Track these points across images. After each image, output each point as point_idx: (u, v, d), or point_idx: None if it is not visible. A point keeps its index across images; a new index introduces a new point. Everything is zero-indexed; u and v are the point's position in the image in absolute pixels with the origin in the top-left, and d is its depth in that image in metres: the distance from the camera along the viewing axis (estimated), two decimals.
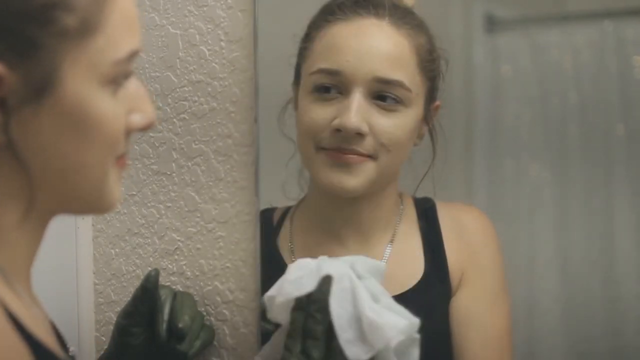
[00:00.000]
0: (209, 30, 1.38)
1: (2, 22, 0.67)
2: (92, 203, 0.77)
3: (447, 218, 1.25)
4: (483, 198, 1.64)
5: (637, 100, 1.55)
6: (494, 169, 1.63)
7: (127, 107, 0.75)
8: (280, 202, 1.34)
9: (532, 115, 1.61)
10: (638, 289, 1.54)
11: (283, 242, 1.29)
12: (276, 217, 1.32)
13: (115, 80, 0.73)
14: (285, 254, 1.27)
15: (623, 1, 1.58)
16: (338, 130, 1.11)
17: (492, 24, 1.62)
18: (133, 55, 0.74)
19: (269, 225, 1.31)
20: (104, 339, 1.47)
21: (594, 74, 1.58)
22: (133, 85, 0.76)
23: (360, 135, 1.11)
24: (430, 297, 1.21)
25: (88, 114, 0.71)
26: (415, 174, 1.25)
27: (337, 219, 1.23)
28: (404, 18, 1.15)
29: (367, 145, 1.11)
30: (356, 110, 1.10)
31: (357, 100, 1.10)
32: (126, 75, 0.75)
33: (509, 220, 1.57)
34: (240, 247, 1.36)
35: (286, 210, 1.32)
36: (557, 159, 1.60)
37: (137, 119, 0.76)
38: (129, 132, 0.76)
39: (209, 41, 1.38)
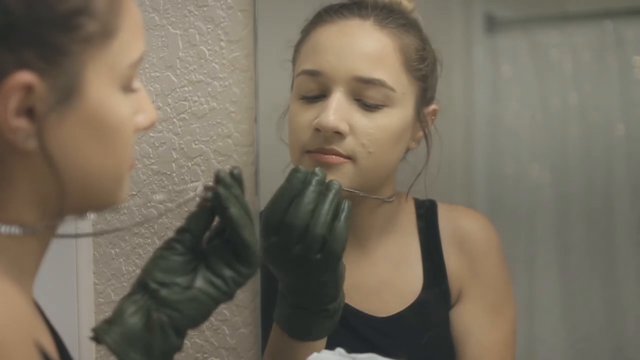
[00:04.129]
0: (209, 30, 1.38)
1: (30, 31, 0.68)
2: (104, 203, 0.78)
3: (448, 222, 1.22)
4: (483, 199, 1.64)
5: (637, 100, 1.55)
6: (494, 169, 1.63)
7: (134, 108, 0.76)
8: None
9: (532, 115, 1.60)
10: (638, 289, 1.54)
11: None
12: None
13: (128, 83, 0.75)
14: None
15: (623, 1, 1.58)
16: (318, 130, 1.10)
17: (492, 24, 1.62)
18: (142, 57, 0.76)
19: None
20: None
21: (594, 74, 1.58)
22: (136, 87, 0.77)
23: (339, 134, 1.09)
24: (430, 306, 1.20)
25: (109, 118, 0.73)
26: (415, 173, 1.23)
27: None
28: (389, 17, 1.13)
29: (347, 145, 1.09)
30: (335, 109, 1.08)
31: (337, 99, 1.09)
32: (135, 78, 0.76)
33: (508, 221, 1.57)
34: None
35: None
36: (557, 159, 1.59)
37: (142, 120, 0.78)
38: (135, 132, 0.77)
39: (209, 41, 1.38)
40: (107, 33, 0.71)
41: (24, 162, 0.71)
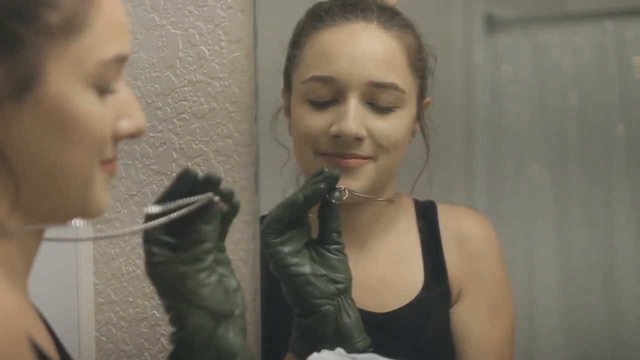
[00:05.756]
0: (209, 30, 1.38)
1: None
2: (78, 207, 0.76)
3: (448, 222, 1.23)
4: (483, 199, 1.64)
5: (637, 100, 1.55)
6: (494, 169, 1.63)
7: (116, 112, 0.75)
8: None
9: (532, 115, 1.61)
10: (638, 289, 1.54)
11: None
12: None
13: (102, 82, 0.73)
14: None
15: (623, 1, 1.58)
16: (337, 136, 1.11)
17: (492, 24, 1.62)
18: (120, 59, 0.74)
19: None
20: (104, 339, 1.47)
21: (594, 74, 1.58)
22: (123, 92, 0.76)
23: (359, 139, 1.11)
24: (430, 305, 1.20)
25: (71, 113, 0.71)
26: (412, 173, 1.24)
27: None
28: (392, 19, 1.15)
29: (366, 148, 1.11)
30: (354, 116, 1.10)
31: (354, 105, 1.10)
32: (114, 80, 0.75)
33: (509, 221, 1.57)
34: (240, 247, 1.36)
35: None
36: (557, 159, 1.60)
37: (126, 125, 0.76)
38: (117, 138, 0.76)
39: (209, 41, 1.38)
40: (72, 26, 0.70)
41: None
